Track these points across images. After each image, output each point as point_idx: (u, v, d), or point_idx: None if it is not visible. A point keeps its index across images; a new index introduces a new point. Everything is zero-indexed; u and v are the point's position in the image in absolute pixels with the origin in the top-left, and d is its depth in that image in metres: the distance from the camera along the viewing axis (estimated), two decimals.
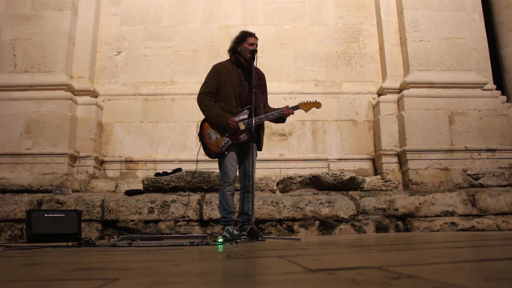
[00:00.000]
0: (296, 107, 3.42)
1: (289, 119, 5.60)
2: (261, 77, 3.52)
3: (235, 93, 3.36)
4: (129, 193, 4.55)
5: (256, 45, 3.41)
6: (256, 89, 3.34)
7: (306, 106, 3.47)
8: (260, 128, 3.46)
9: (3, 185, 4.71)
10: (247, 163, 3.40)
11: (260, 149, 3.51)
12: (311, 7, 6.11)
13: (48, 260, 1.87)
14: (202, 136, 3.41)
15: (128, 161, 5.53)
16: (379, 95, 5.74)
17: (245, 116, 3.34)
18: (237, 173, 3.48)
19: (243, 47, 3.41)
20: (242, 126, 3.33)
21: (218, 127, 3.33)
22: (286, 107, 3.38)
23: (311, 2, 6.12)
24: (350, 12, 6.12)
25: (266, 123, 5.72)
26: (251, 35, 3.44)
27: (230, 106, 3.36)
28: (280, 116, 3.38)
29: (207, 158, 5.56)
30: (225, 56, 5.89)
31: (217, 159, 3.48)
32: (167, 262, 1.65)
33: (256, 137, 3.32)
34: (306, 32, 6.04)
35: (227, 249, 2.33)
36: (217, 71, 3.45)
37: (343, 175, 4.73)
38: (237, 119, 3.33)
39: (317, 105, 3.51)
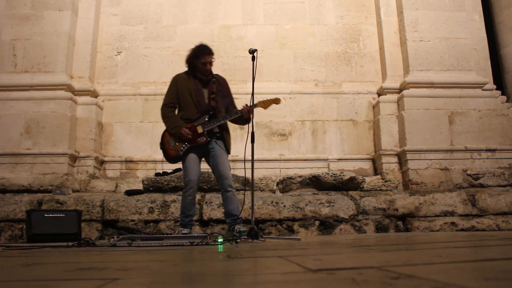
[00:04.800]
0: (254, 106, 3.42)
1: (289, 119, 5.67)
2: (221, 83, 3.57)
3: (193, 101, 3.45)
4: (129, 193, 4.55)
5: (210, 63, 3.44)
6: (217, 95, 3.46)
7: (265, 103, 3.48)
8: (224, 131, 3.52)
9: (3, 185, 4.71)
10: (219, 164, 3.44)
11: (228, 152, 3.55)
12: (311, 7, 6.11)
13: (48, 260, 1.87)
14: (162, 143, 3.52)
15: (128, 161, 5.53)
16: (379, 95, 5.74)
17: (206, 120, 3.43)
18: (198, 176, 3.52)
19: (197, 64, 3.47)
20: (200, 130, 3.41)
21: (175, 136, 3.44)
22: (246, 105, 3.40)
23: (311, 2, 6.12)
24: (350, 12, 6.12)
25: (263, 125, 5.73)
26: (206, 53, 3.43)
27: (191, 114, 3.46)
28: (241, 116, 3.42)
29: None
30: (225, 56, 5.94)
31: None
32: (167, 262, 1.65)
33: (220, 138, 3.45)
34: (306, 32, 6.04)
35: (227, 249, 2.33)
36: (175, 82, 3.56)
37: (343, 175, 4.73)
38: (196, 124, 3.42)
39: (276, 101, 3.50)
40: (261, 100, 3.50)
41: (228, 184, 3.41)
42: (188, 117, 3.45)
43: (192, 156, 3.42)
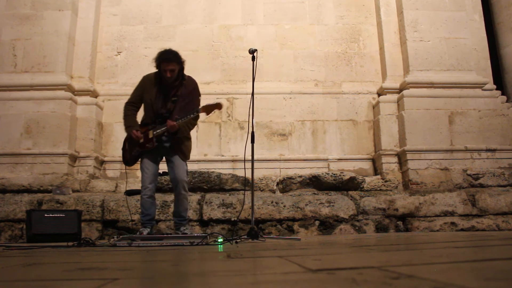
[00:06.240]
0: (197, 111, 3.31)
1: (289, 119, 5.67)
2: (188, 87, 3.44)
3: (152, 104, 3.40)
4: (129, 193, 4.54)
5: (170, 70, 3.29)
6: (178, 99, 3.36)
7: (207, 108, 3.32)
8: (182, 137, 3.43)
9: (3, 185, 4.71)
10: (174, 167, 3.43)
11: (186, 157, 3.49)
12: (311, 7, 6.11)
13: (48, 260, 1.87)
14: (124, 144, 3.53)
15: None
16: (379, 95, 5.74)
17: (157, 126, 3.37)
18: (155, 177, 3.53)
19: (160, 70, 3.36)
20: (150, 135, 3.36)
21: (131, 139, 3.43)
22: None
23: (311, 2, 6.12)
24: (350, 12, 6.12)
25: (263, 125, 5.73)
26: (163, 60, 3.30)
27: (148, 117, 3.45)
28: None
29: (207, 158, 5.59)
30: (225, 56, 5.94)
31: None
32: (167, 262, 1.65)
33: (176, 145, 3.39)
34: (306, 32, 6.04)
35: (227, 249, 2.33)
36: (142, 84, 3.49)
37: (343, 175, 4.74)
38: (150, 128, 3.38)
39: (218, 106, 3.33)
40: (205, 104, 3.35)
41: (182, 186, 3.41)
42: (146, 121, 3.44)
43: (149, 157, 3.41)
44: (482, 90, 5.46)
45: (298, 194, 4.60)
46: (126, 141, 3.51)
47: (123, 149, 3.53)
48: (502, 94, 5.84)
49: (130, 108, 3.49)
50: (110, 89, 5.80)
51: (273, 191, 4.86)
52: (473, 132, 5.16)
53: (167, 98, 3.39)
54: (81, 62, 5.63)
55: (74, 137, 5.28)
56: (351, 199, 4.52)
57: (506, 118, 5.24)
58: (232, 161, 5.46)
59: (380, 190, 4.85)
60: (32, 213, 3.74)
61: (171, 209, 4.29)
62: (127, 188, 4.33)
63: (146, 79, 3.49)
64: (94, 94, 5.62)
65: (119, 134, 5.66)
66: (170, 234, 3.62)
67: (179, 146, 3.44)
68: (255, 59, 3.44)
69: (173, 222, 3.58)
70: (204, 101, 5.55)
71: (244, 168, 3.37)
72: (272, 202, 4.38)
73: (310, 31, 6.05)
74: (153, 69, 5.91)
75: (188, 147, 3.54)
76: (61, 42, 5.41)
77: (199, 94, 3.54)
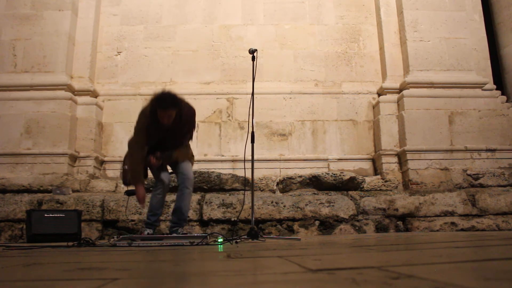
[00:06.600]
0: (169, 154, 3.31)
1: (289, 119, 5.67)
2: (184, 116, 3.27)
3: (147, 139, 3.28)
4: (129, 193, 4.51)
5: (168, 116, 3.14)
6: (176, 131, 3.28)
7: (183, 156, 3.37)
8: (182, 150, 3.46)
9: (3, 185, 4.71)
10: (183, 164, 3.39)
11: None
12: (311, 7, 6.11)
13: (48, 260, 1.87)
14: (123, 170, 3.48)
15: None
16: (379, 95, 5.74)
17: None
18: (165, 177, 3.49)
19: (157, 115, 3.21)
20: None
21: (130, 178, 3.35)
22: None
23: (311, 2, 6.12)
24: (350, 12, 6.12)
25: (263, 124, 5.73)
26: (160, 107, 3.12)
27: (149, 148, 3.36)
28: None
29: (207, 158, 5.59)
30: (225, 56, 5.94)
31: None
32: (167, 262, 1.65)
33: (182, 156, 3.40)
34: (306, 32, 6.04)
35: (227, 249, 2.33)
36: (142, 119, 3.31)
37: (343, 175, 4.74)
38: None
39: (192, 159, 3.47)
40: (178, 150, 3.37)
41: (189, 183, 3.36)
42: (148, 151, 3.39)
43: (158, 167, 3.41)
44: (482, 90, 5.46)
45: (298, 194, 4.60)
46: (124, 164, 3.45)
47: (123, 170, 3.47)
48: (502, 94, 5.84)
49: (139, 152, 3.27)
50: (110, 89, 5.80)
51: (273, 191, 4.86)
52: (473, 132, 5.16)
53: (164, 135, 3.30)
54: (81, 62, 5.63)
55: (74, 137, 5.28)
56: (351, 199, 4.53)
57: (506, 118, 5.24)
58: (232, 161, 5.46)
59: (380, 190, 4.85)
60: (32, 213, 3.74)
61: (171, 209, 4.29)
62: (128, 188, 4.33)
63: (144, 116, 3.29)
64: (94, 94, 5.62)
65: (119, 134, 5.66)
66: (170, 234, 3.61)
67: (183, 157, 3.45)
68: (255, 59, 3.44)
69: (170, 222, 3.45)
70: (204, 101, 5.60)
71: (244, 168, 3.37)
72: (272, 202, 4.38)
73: (310, 31, 6.05)
74: (153, 69, 5.94)
75: (191, 162, 3.52)
76: (61, 42, 5.41)
77: (193, 126, 3.48)
